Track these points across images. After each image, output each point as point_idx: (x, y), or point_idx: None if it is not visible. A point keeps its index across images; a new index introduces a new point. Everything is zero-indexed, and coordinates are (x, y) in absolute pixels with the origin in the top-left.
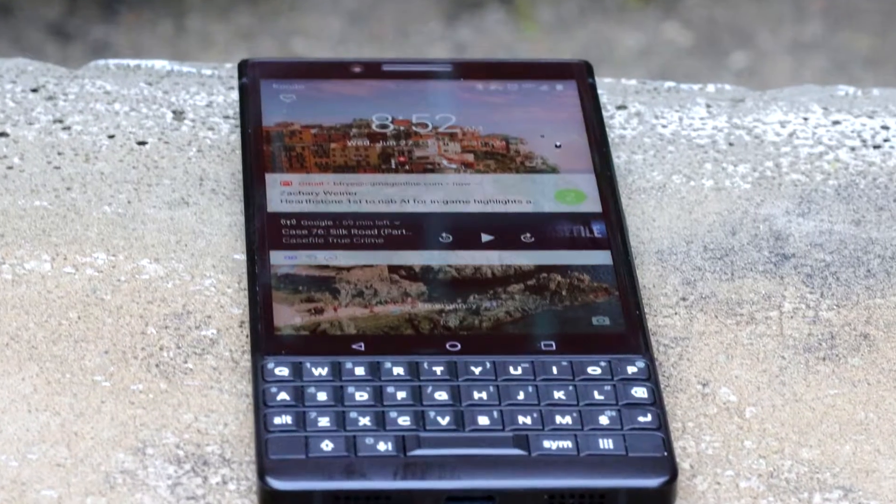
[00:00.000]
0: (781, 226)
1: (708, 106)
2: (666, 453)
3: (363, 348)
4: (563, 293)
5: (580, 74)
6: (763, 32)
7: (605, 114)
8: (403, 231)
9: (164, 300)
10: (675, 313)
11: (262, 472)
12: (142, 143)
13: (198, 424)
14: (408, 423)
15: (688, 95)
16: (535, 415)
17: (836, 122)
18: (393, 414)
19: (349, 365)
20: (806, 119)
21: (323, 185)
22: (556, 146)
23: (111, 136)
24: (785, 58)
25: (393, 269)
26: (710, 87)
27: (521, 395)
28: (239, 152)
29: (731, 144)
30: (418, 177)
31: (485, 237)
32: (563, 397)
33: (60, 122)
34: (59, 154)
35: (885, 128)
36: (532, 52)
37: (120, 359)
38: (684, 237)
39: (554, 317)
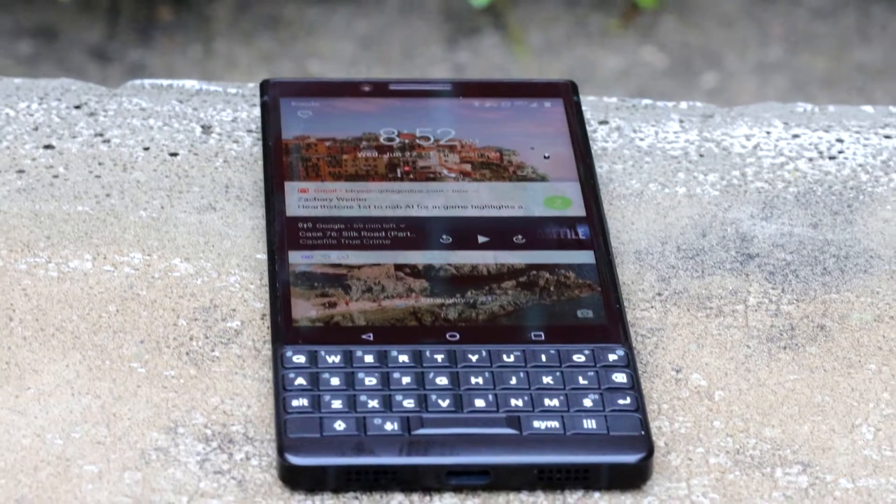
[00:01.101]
0: (747, 228)
1: (681, 121)
2: (643, 432)
3: (372, 338)
4: (551, 289)
5: (566, 93)
6: (730, 55)
7: (588, 128)
8: (408, 233)
9: (194, 295)
10: (652, 307)
11: (281, 449)
12: (173, 155)
13: (224, 406)
14: (412, 405)
15: (663, 112)
16: (525, 398)
17: (795, 136)
18: (398, 397)
19: (359, 353)
20: (769, 133)
21: (336, 192)
22: (544, 157)
23: (146, 148)
24: (750, 78)
25: (398, 267)
26: (683, 105)
27: (513, 380)
28: (261, 163)
29: (701, 156)
30: (421, 185)
31: (481, 239)
32: (551, 382)
33: (101, 135)
34: (100, 164)
35: (840, 140)
36: (523, 72)
37: (154, 348)
38: (660, 239)
39: (543, 310)
